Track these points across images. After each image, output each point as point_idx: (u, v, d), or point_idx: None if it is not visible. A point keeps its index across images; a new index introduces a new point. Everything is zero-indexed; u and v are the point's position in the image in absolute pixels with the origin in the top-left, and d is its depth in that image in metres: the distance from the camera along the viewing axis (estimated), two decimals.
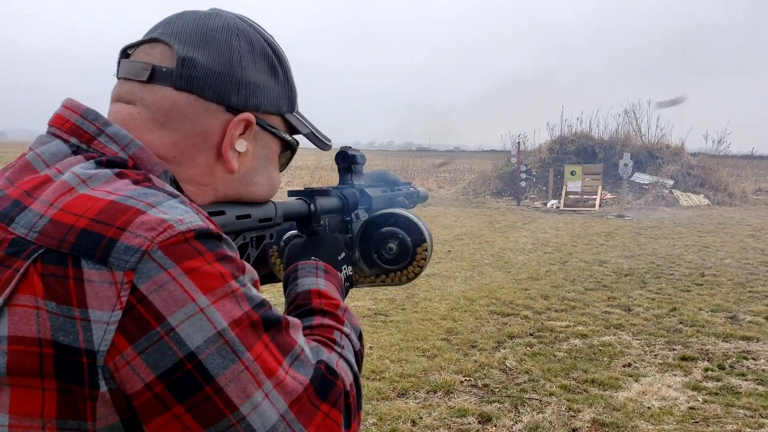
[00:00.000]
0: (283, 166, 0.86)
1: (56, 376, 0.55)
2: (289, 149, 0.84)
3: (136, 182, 0.62)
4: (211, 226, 0.62)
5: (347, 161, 1.10)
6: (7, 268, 0.57)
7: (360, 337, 0.81)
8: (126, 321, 0.54)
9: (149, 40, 0.73)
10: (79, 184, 0.61)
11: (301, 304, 0.80)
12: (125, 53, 0.75)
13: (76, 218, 0.57)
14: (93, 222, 0.57)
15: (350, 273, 0.97)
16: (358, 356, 0.78)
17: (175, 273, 0.56)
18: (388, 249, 1.07)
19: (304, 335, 0.71)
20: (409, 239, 1.06)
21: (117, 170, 0.63)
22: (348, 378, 0.69)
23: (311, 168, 25.86)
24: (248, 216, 0.81)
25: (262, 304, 0.62)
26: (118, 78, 0.74)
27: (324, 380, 0.64)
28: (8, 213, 0.60)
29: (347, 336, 0.77)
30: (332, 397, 0.64)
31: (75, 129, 0.67)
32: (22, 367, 0.55)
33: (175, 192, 0.64)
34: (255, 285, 0.65)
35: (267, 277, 1.12)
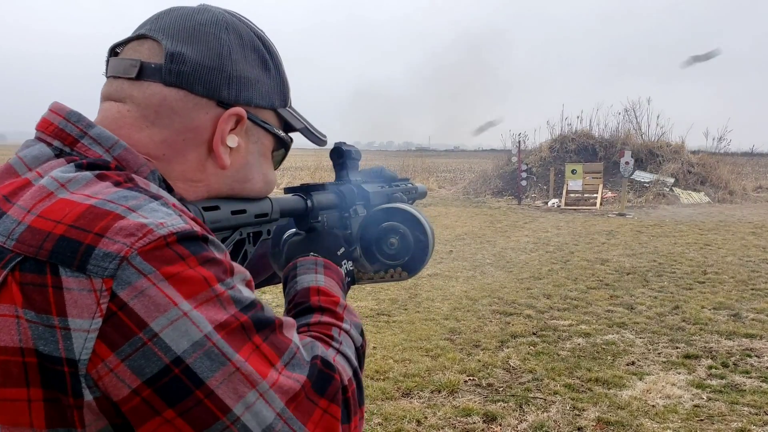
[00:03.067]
0: (277, 164, 0.84)
1: (42, 384, 0.54)
2: (282, 146, 0.82)
3: (117, 184, 0.61)
4: (195, 228, 0.60)
5: (342, 157, 1.08)
6: None
7: (362, 333, 0.80)
8: (107, 328, 0.53)
9: (137, 37, 0.72)
10: (58, 188, 0.59)
11: (299, 302, 0.79)
12: (114, 51, 0.74)
13: (53, 225, 0.56)
14: (71, 228, 0.55)
15: (351, 268, 0.96)
16: (360, 351, 0.77)
17: (156, 278, 0.55)
18: (389, 244, 1.06)
19: (301, 332, 0.71)
20: (410, 233, 1.06)
21: (98, 172, 0.62)
22: (346, 373, 0.68)
23: (311, 168, 25.85)
24: (243, 211, 0.80)
25: (252, 305, 0.61)
26: (107, 76, 0.73)
27: (321, 375, 0.63)
28: None
29: (346, 332, 0.76)
30: (330, 392, 0.63)
31: (58, 132, 0.66)
32: (8, 377, 0.54)
33: (159, 193, 0.63)
34: (248, 285, 0.63)
35: (269, 279, 1.12)
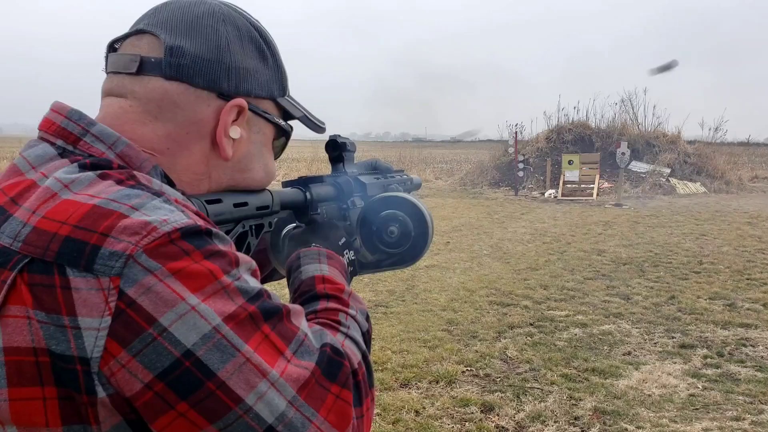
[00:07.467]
0: (278, 152, 0.85)
1: (56, 383, 0.55)
2: (283, 135, 0.83)
3: (119, 182, 0.61)
4: (199, 222, 0.60)
5: (337, 150, 1.09)
6: None
7: (367, 318, 0.81)
8: (116, 326, 0.54)
9: (135, 32, 0.73)
10: (62, 189, 0.60)
11: (305, 291, 0.79)
12: (112, 47, 0.74)
13: (58, 225, 0.56)
14: (76, 229, 0.56)
15: (353, 258, 0.97)
16: (366, 336, 0.78)
17: (162, 275, 0.55)
18: (389, 232, 1.06)
19: (309, 320, 0.71)
20: (409, 221, 1.06)
21: (100, 172, 0.62)
22: (356, 357, 0.69)
23: (308, 160, 25.83)
24: (245, 204, 0.81)
25: (259, 295, 0.61)
26: (107, 72, 0.74)
27: (331, 362, 0.63)
28: None
29: (353, 317, 0.76)
30: (341, 378, 0.63)
31: (60, 131, 0.67)
32: (21, 377, 0.55)
33: (161, 190, 0.63)
34: (253, 274, 0.64)
35: (268, 276, 1.13)
